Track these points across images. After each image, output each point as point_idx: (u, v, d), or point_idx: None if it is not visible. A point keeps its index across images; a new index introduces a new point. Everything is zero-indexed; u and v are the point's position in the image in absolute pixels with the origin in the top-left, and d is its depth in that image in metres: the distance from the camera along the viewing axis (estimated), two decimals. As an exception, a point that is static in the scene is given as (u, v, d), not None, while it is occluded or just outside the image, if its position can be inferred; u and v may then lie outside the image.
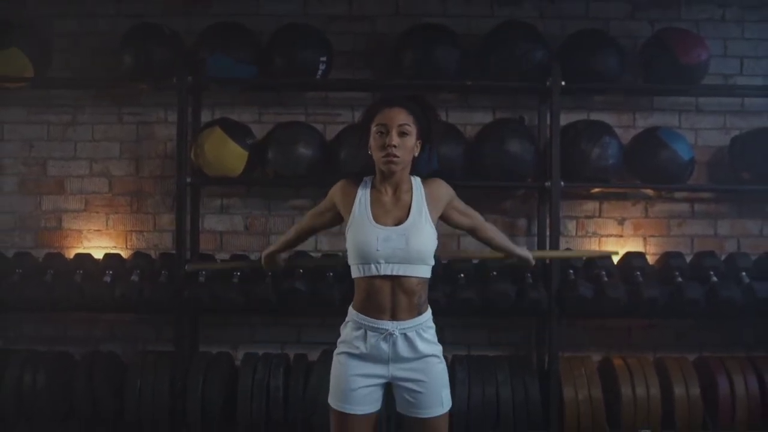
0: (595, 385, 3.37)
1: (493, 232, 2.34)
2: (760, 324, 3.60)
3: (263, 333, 3.74)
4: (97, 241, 3.75)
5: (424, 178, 2.14)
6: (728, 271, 3.45)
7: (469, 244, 3.63)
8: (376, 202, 2.05)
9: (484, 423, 3.27)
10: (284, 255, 2.49)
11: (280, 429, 3.30)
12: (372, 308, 2.00)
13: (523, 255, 2.39)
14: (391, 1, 3.81)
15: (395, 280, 1.98)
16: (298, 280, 3.31)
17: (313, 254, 3.59)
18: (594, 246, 3.72)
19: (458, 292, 3.30)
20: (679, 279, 3.37)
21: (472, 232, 2.28)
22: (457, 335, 3.58)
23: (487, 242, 2.33)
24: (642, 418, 3.32)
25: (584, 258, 3.49)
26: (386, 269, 1.97)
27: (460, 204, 2.20)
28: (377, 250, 1.97)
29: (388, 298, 1.99)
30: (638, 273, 3.39)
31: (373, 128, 2.04)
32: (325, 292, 3.30)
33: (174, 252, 3.52)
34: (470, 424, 3.26)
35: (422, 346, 2.01)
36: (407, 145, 2.02)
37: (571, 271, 3.41)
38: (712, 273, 3.39)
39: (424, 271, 2.02)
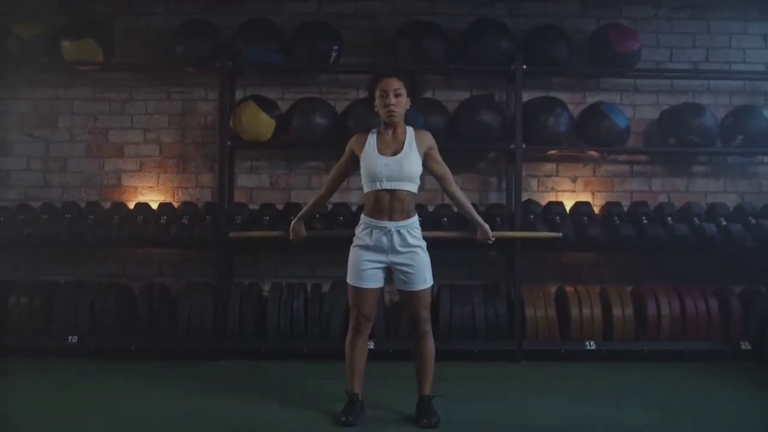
0: (550, 306, 4.15)
1: (460, 193, 2.99)
2: (682, 259, 4.40)
3: (285, 269, 4.49)
4: (150, 196, 4.51)
5: (417, 129, 2.95)
6: (657, 216, 4.22)
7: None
8: (381, 142, 2.88)
9: (463, 334, 4.07)
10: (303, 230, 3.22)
11: (300, 340, 4.07)
12: (376, 212, 2.82)
13: (483, 224, 3.03)
14: (389, 1, 4.56)
15: (392, 192, 2.80)
16: (316, 222, 4.11)
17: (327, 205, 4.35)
18: (552, 197, 4.46)
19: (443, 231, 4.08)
20: (617, 221, 4.16)
21: (441, 180, 2.95)
22: (443, 271, 4.08)
23: (451, 196, 3.00)
24: (587, 331, 4.10)
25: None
26: (387, 185, 2.80)
27: (437, 155, 2.92)
28: (380, 172, 2.80)
29: (387, 204, 2.80)
30: (585, 217, 4.17)
31: (377, 93, 2.88)
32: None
33: (215, 202, 4.31)
34: (453, 335, 4.06)
35: (411, 240, 2.83)
36: (401, 102, 2.86)
37: (532, 216, 4.21)
38: (643, 217, 4.17)
39: (412, 187, 2.84)
